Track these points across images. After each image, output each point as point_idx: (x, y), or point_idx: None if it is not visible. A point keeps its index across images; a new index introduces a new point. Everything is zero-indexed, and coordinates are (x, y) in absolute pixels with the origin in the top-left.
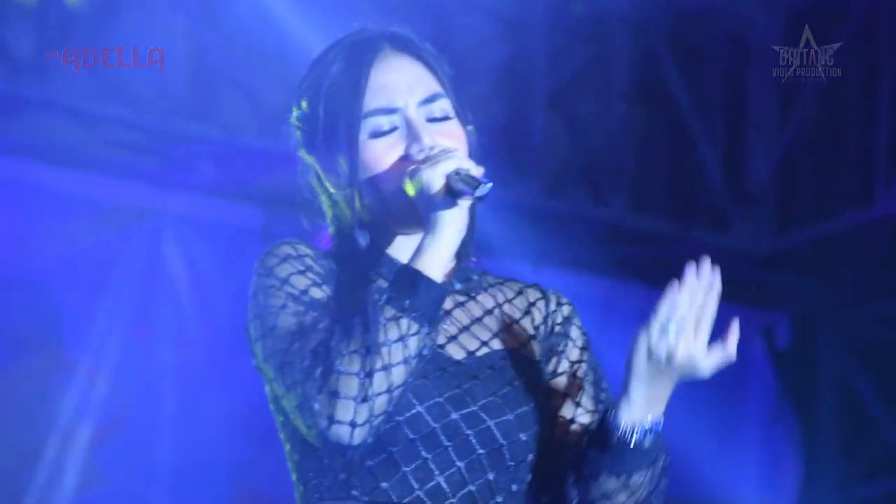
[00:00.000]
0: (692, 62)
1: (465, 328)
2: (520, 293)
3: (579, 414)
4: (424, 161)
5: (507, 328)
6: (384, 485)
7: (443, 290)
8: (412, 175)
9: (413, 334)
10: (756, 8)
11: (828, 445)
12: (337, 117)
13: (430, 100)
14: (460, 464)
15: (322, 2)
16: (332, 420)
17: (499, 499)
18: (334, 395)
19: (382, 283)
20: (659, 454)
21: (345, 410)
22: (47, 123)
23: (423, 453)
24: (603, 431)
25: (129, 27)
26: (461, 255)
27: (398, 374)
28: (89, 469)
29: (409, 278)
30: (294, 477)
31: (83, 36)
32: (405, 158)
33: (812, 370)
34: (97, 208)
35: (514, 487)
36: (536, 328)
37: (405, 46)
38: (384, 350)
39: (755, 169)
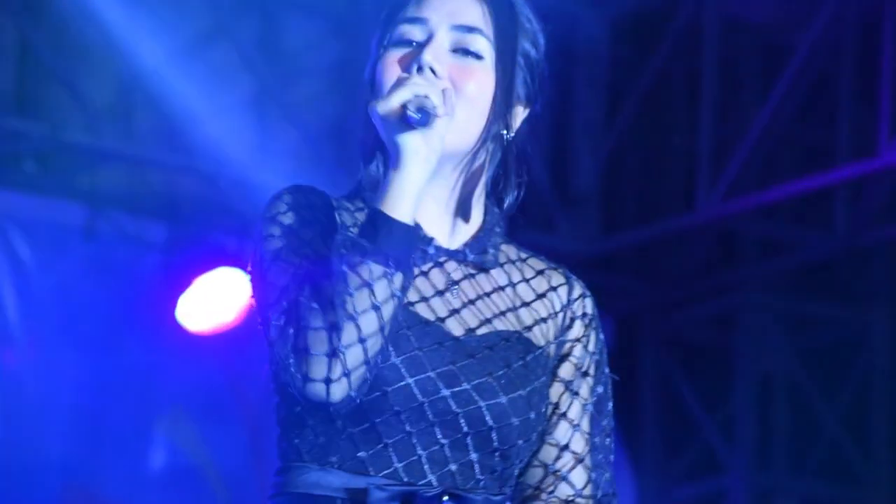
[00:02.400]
0: None
1: (470, 303)
2: (540, 273)
3: (562, 426)
4: (395, 85)
5: (516, 309)
6: (362, 454)
7: (408, 228)
8: (375, 101)
9: (378, 278)
10: (583, 9)
11: (649, 446)
12: (376, 31)
13: (467, 29)
14: (444, 441)
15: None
16: (306, 378)
17: (480, 479)
18: (304, 351)
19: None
20: None
21: (317, 367)
22: None
23: (407, 427)
24: None
25: None
26: (485, 224)
27: (367, 324)
28: None
29: (371, 220)
30: (278, 432)
31: None
32: (400, 75)
33: (634, 372)
34: None
35: (498, 470)
36: (551, 315)
37: None
38: (348, 300)
39: (581, 171)
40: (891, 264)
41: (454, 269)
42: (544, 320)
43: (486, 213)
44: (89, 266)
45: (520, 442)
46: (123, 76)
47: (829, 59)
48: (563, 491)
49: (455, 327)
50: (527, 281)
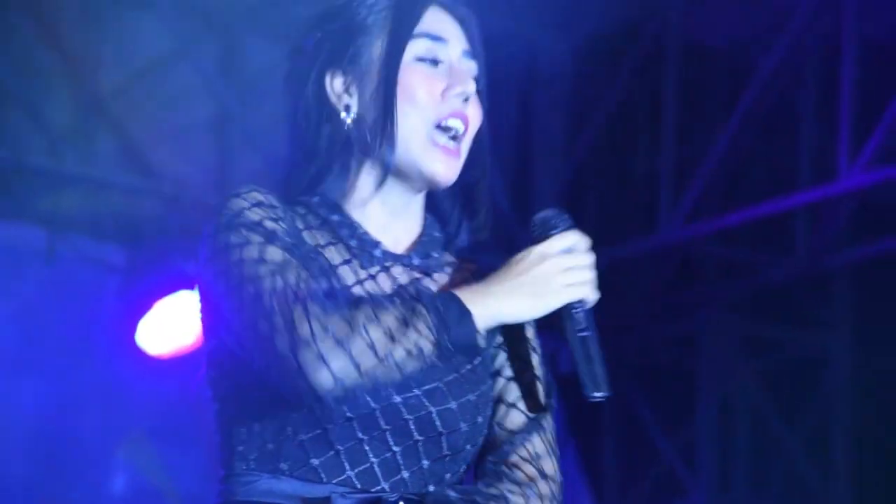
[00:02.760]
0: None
1: None
2: (475, 274)
3: (510, 417)
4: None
5: None
6: (314, 461)
7: (478, 343)
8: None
9: (429, 355)
10: (544, 33)
11: (610, 469)
12: (382, 31)
13: (472, 55)
14: (396, 449)
15: (109, 21)
16: (327, 365)
17: (430, 487)
18: (340, 344)
19: (335, 238)
20: None
21: (345, 369)
22: None
23: (359, 434)
24: None
25: None
26: (426, 228)
27: (395, 375)
28: None
29: (460, 311)
30: (220, 440)
31: None
32: (444, 93)
33: None
34: None
35: (448, 476)
36: None
37: (454, 8)
38: (406, 355)
39: (542, 193)
40: (851, 287)
41: (400, 274)
42: None
43: (425, 219)
44: (49, 289)
45: (468, 447)
46: (84, 99)
47: (789, 83)
48: (515, 419)
49: None
50: (466, 282)
